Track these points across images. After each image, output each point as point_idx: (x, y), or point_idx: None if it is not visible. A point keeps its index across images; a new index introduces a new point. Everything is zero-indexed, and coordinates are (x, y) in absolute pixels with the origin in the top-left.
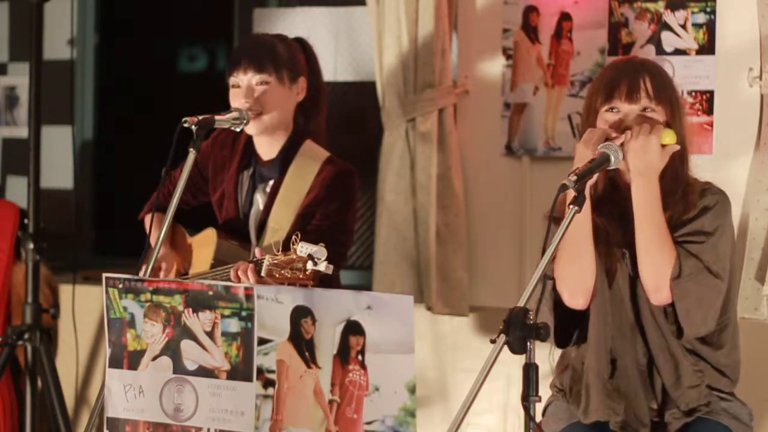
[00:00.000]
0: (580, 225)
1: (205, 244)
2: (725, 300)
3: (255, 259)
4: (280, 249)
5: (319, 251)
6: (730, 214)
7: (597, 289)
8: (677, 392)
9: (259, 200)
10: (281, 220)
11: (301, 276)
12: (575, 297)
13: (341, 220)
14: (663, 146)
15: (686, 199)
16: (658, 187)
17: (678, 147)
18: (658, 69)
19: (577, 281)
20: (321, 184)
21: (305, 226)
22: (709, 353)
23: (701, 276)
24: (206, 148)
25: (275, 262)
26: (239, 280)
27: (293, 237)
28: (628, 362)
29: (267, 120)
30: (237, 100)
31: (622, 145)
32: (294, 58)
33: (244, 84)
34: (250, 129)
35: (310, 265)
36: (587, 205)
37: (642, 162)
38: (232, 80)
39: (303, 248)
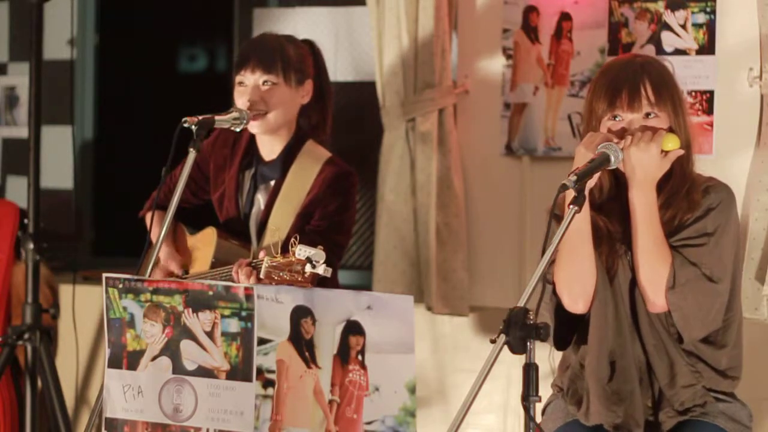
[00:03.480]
0: (578, 229)
1: (205, 243)
2: (730, 297)
3: (254, 260)
4: (279, 251)
5: (318, 254)
6: (735, 209)
7: (597, 291)
8: (671, 391)
9: (261, 200)
10: (282, 220)
11: (299, 279)
12: (575, 302)
13: (339, 220)
14: (666, 152)
15: (690, 197)
16: (655, 197)
17: (682, 151)
18: (658, 69)
19: (576, 285)
20: (321, 185)
21: (304, 226)
22: (710, 354)
23: (698, 284)
24: (207, 147)
25: (274, 264)
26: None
27: (292, 240)
28: (626, 363)
29: (271, 119)
30: (242, 98)
31: (622, 149)
32: (302, 61)
33: (250, 83)
34: (254, 128)
35: (308, 268)
36: (586, 209)
37: (640, 172)
38: (238, 78)
39: (302, 251)
